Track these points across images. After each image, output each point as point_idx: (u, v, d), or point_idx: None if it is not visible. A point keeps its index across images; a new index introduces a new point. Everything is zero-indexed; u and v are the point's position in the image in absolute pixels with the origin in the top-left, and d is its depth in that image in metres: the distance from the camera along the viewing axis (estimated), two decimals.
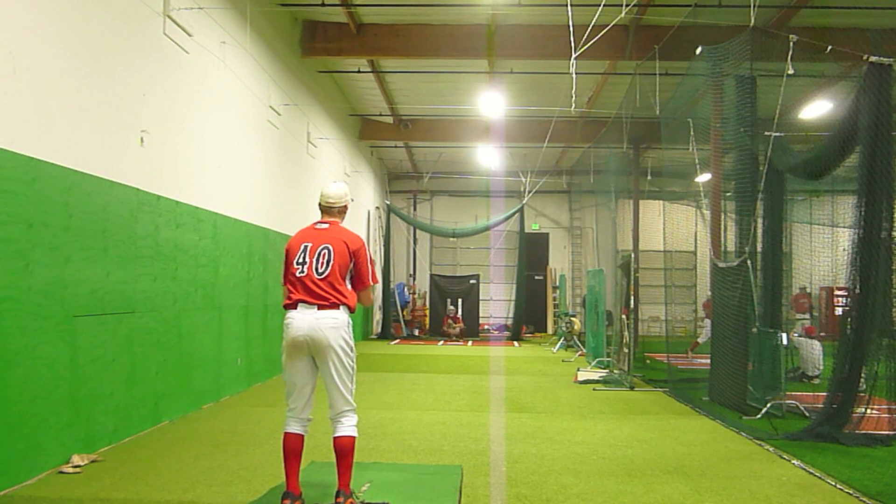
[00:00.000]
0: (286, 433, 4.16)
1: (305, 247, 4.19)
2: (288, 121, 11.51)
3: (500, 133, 17.03)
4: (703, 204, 11.83)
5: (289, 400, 4.20)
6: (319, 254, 4.16)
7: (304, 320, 4.07)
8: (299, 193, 12.36)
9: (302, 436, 4.17)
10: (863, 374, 6.50)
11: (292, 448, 4.12)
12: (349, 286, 4.24)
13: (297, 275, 4.14)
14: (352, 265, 4.23)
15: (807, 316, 15.32)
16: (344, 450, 4.08)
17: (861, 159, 6.30)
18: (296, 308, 4.13)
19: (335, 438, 4.12)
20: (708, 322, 14.35)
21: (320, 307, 4.09)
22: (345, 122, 16.32)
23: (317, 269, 4.13)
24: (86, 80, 5.77)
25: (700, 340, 14.35)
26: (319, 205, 4.43)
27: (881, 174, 6.07)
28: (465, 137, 17.60)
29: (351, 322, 4.19)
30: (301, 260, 4.17)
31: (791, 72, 7.23)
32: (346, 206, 4.45)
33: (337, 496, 4.04)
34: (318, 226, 4.32)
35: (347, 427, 4.13)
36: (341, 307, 4.13)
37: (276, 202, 11.00)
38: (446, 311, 20.20)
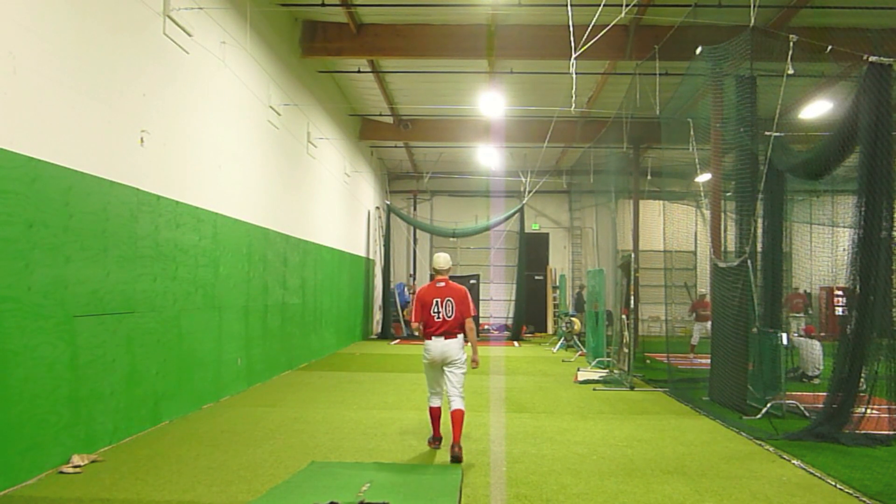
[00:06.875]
0: (431, 407, 6.45)
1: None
2: (288, 121, 11.50)
3: (500, 133, 17.02)
4: (703, 204, 11.84)
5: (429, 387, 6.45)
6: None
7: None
8: (299, 193, 12.36)
9: (439, 406, 6.41)
10: (863, 374, 6.50)
11: (435, 415, 6.44)
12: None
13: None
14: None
15: (801, 315, 15.30)
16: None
17: (861, 159, 6.30)
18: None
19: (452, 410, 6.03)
20: (697, 325, 14.44)
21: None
22: (345, 122, 16.32)
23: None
24: (86, 81, 5.77)
25: (693, 342, 14.37)
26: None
27: (881, 174, 6.07)
28: (465, 137, 17.59)
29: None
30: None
31: (791, 72, 7.23)
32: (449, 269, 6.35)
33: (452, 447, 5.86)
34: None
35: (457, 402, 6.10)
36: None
37: (276, 202, 10.99)
38: None
